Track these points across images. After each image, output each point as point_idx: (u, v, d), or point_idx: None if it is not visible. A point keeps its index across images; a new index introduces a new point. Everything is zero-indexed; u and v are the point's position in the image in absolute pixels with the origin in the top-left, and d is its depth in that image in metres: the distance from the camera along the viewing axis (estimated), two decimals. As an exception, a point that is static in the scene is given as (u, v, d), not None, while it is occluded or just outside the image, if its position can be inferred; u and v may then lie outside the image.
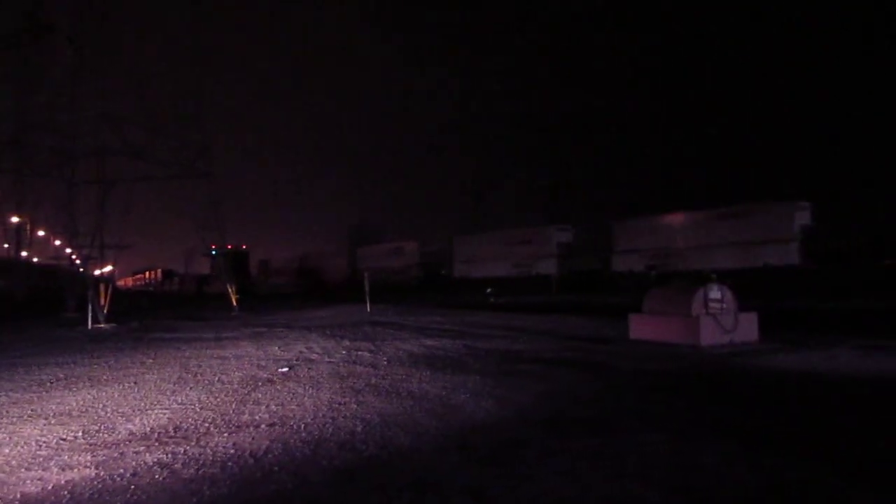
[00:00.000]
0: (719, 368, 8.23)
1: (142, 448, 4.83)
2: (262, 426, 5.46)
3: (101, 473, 4.23)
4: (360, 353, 10.44)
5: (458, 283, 47.48)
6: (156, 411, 6.17)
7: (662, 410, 5.84)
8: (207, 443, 4.94)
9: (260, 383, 7.66)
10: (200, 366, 9.25)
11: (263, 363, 9.44)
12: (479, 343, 11.42)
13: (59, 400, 6.83)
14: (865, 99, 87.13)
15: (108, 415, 6.06)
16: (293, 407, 6.23)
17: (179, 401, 6.67)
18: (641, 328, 11.12)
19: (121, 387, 7.58)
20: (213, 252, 37.06)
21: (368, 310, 22.02)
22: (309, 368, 8.80)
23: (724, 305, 10.46)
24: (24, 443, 5.08)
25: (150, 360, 9.93)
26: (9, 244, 39.52)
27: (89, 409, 6.35)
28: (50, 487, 4.00)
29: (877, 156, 67.47)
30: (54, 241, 38.29)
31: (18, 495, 3.89)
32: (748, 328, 10.61)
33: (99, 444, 5.01)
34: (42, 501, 3.82)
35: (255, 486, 3.92)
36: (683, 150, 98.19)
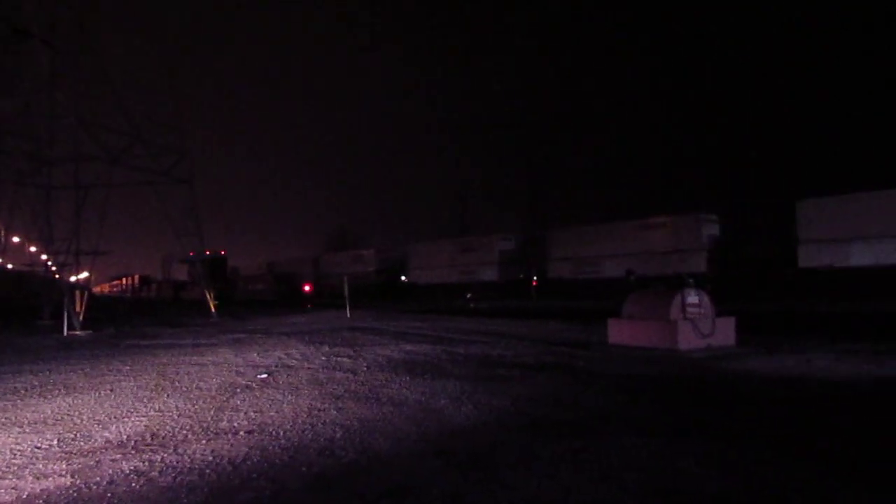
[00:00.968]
0: (698, 372, 8.34)
1: (118, 456, 4.77)
2: (241, 433, 5.42)
3: (77, 482, 4.18)
4: (339, 358, 10.40)
5: (412, 288, 50.31)
6: (132, 419, 6.10)
7: (642, 414, 5.91)
8: (185, 450, 4.89)
9: (238, 390, 7.60)
10: (178, 372, 9.15)
11: (242, 369, 9.37)
12: (458, 348, 11.44)
13: (33, 408, 6.72)
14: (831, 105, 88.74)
15: (84, 422, 5.97)
16: (272, 413, 6.20)
17: (157, 408, 6.59)
18: (620, 333, 11.21)
19: (97, 394, 7.48)
20: (191, 258, 36.88)
21: (349, 315, 21.97)
22: (288, 374, 8.75)
23: (702, 310, 10.59)
24: (-2, 452, 4.99)
25: (127, 368, 9.80)
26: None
27: (65, 416, 6.26)
28: (25, 496, 3.94)
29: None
30: (29, 247, 37.66)
31: (-9, 505, 3.83)
32: (725, 332, 10.75)
33: (74, 452, 4.94)
34: (15, 511, 3.76)
35: (233, 494, 3.89)
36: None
